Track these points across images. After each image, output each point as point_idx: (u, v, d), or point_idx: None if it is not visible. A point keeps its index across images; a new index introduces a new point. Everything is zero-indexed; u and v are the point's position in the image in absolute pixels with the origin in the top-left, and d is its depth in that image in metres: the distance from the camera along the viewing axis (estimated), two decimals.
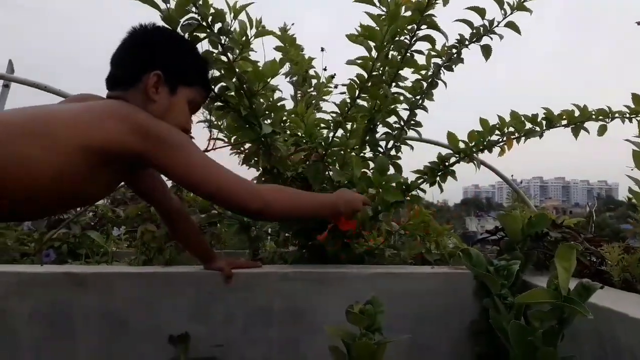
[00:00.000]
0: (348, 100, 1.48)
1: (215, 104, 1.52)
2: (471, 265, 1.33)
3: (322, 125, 1.54)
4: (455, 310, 1.47)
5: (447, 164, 1.71)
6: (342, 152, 1.51)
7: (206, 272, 1.45)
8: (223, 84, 1.44)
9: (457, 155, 1.70)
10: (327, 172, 1.51)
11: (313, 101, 1.94)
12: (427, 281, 1.49)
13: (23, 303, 1.36)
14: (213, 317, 1.42)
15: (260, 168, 1.58)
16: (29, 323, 1.36)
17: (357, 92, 1.48)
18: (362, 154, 1.64)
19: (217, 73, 1.43)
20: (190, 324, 1.41)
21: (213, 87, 1.42)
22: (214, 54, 1.40)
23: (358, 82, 1.47)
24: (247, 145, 1.70)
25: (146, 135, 1.04)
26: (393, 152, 1.68)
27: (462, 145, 1.70)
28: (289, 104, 1.75)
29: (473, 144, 1.70)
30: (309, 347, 1.43)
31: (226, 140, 1.89)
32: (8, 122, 0.99)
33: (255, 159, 1.63)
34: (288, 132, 1.66)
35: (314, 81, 2.14)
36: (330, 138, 1.50)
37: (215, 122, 1.84)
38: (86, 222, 2.04)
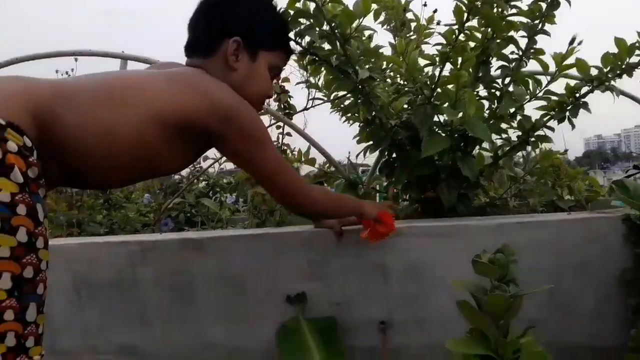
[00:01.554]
0: (455, 27, 1.31)
1: (306, 58, 1.44)
2: (629, 199, 1.12)
3: (427, 62, 1.39)
4: (598, 259, 1.29)
5: (577, 95, 1.48)
6: (452, 89, 1.35)
7: (318, 231, 1.40)
8: (309, 37, 1.35)
9: (589, 84, 1.47)
10: (435, 115, 1.37)
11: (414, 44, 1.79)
12: (563, 229, 1.31)
13: (147, 270, 1.43)
14: (329, 276, 1.38)
15: (361, 120, 1.48)
16: (154, 289, 1.42)
17: (465, 15, 1.30)
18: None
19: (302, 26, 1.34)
20: (306, 283, 1.38)
21: (300, 41, 1.35)
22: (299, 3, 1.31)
23: (466, 1, 1.28)
24: (347, 102, 1.61)
25: (226, 119, 1.02)
26: (511, 89, 1.49)
27: (594, 71, 1.46)
28: (388, 52, 1.62)
29: (608, 68, 1.46)
30: (430, 304, 1.33)
31: (325, 98, 1.82)
32: (89, 89, 1.00)
33: (355, 113, 1.54)
34: (388, 80, 1.54)
35: (413, 25, 1.98)
36: (437, 76, 1.34)
37: (314, 82, 1.77)
38: (200, 190, 2.11)
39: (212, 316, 1.42)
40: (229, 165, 2.39)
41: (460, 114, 1.26)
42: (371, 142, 1.57)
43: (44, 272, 0.88)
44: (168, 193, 2.00)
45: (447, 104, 1.36)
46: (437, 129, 1.39)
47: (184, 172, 2.06)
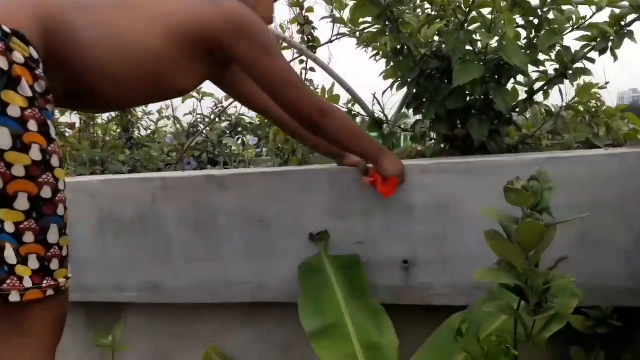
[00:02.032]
0: None
1: None
2: None
3: None
4: (636, 197, 1.22)
5: (623, 23, 1.37)
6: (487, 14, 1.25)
7: (342, 168, 1.36)
8: None
9: (638, 12, 1.35)
10: (469, 43, 1.28)
11: None
12: (599, 164, 1.24)
13: (170, 207, 1.42)
14: (352, 214, 1.35)
15: (389, 51, 1.41)
16: (177, 225, 1.42)
17: None
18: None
19: None
20: (329, 220, 1.36)
21: None
22: None
23: None
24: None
25: (239, 28, 1.03)
26: (550, 16, 1.38)
27: None
28: None
29: None
30: (456, 243, 1.30)
31: (350, 32, 1.74)
32: (103, 3, 0.97)
33: (383, 43, 1.46)
34: (418, 10, 1.45)
35: None
36: None
37: (339, 16, 1.69)
38: (221, 129, 2.09)
39: (234, 253, 1.42)
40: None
41: (496, 38, 1.17)
42: (398, 78, 1.50)
43: (62, 192, 0.87)
44: (190, 133, 1.98)
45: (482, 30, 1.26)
46: (468, 57, 1.30)
47: (205, 111, 2.04)
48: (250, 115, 2.16)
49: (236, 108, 2.12)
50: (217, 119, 2.03)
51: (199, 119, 2.07)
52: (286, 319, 1.53)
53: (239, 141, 2.01)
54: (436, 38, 1.45)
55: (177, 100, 1.93)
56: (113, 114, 2.06)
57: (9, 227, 0.80)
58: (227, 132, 2.13)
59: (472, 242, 1.29)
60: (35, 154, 0.81)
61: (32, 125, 0.81)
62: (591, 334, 1.19)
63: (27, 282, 0.83)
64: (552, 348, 1.12)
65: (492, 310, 0.85)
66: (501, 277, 0.81)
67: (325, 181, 1.35)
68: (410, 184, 1.30)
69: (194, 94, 1.95)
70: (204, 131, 1.87)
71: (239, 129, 2.12)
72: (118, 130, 2.05)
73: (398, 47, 1.37)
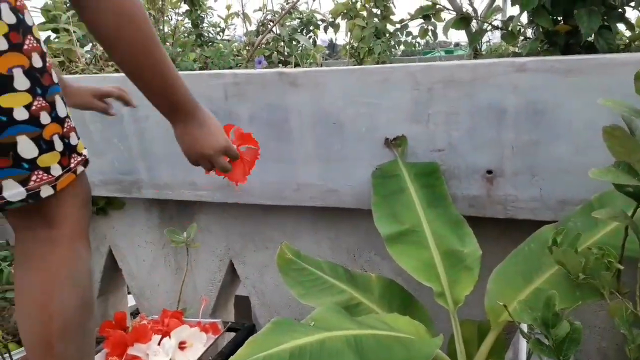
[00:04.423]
0: None
1: None
2: None
3: None
4: None
5: None
6: None
7: (424, 66, 1.24)
8: None
9: None
10: None
11: None
12: None
13: (241, 105, 1.37)
14: (433, 118, 1.24)
15: None
16: (249, 124, 1.38)
17: None
18: None
19: None
20: (407, 125, 1.27)
21: None
22: None
23: None
24: None
25: None
26: None
27: None
28: None
29: None
30: (548, 153, 1.17)
31: None
32: None
33: None
34: None
35: None
36: None
37: None
38: (292, 27, 1.98)
39: (306, 155, 1.37)
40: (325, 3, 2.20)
41: None
42: None
43: (46, 55, 0.77)
44: (260, 32, 1.89)
45: None
46: None
47: (276, 7, 1.91)
48: (322, 12, 2.02)
49: (307, 4, 1.99)
50: (288, 15, 1.91)
51: (269, 16, 1.96)
52: (355, 225, 1.50)
53: (311, 40, 1.90)
54: None
55: None
56: (183, 9, 2.00)
57: (22, 114, 0.72)
58: (298, 30, 2.01)
59: (566, 153, 1.16)
60: (9, 17, 0.70)
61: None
62: None
63: (56, 170, 0.78)
64: None
65: (601, 217, 0.75)
66: (621, 178, 0.70)
67: (406, 81, 1.24)
68: (502, 85, 1.17)
69: None
70: (274, 28, 1.77)
71: (311, 27, 2.00)
72: (188, 25, 1.99)
73: None
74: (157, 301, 1.81)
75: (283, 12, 1.80)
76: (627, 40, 1.34)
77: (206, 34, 1.92)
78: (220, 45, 1.59)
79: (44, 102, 0.75)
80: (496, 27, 1.47)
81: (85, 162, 0.85)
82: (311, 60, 1.78)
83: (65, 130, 0.80)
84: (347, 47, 1.47)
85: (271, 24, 1.79)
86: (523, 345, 1.95)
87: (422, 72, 1.22)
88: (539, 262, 0.97)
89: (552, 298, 0.74)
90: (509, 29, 1.41)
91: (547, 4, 1.20)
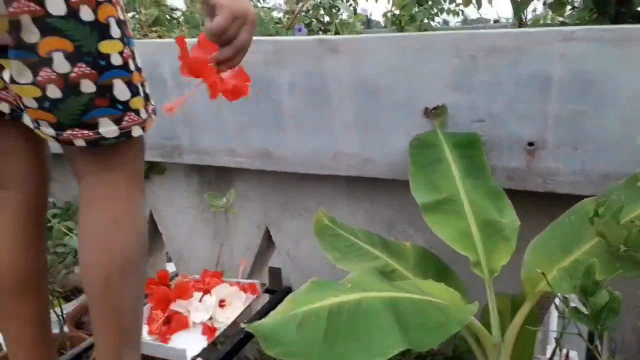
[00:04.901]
0: None
1: None
2: None
3: None
4: None
5: None
6: None
7: (467, 34, 1.22)
8: None
9: None
10: None
11: None
12: None
13: (282, 72, 1.38)
14: (475, 87, 1.23)
15: None
16: (288, 92, 1.39)
17: None
18: None
19: None
20: (448, 94, 1.25)
21: None
22: None
23: None
24: None
25: None
26: None
27: None
28: None
29: None
30: (593, 125, 1.15)
31: None
32: None
33: None
34: None
35: None
36: None
37: None
38: None
39: (344, 123, 1.37)
40: None
41: None
42: None
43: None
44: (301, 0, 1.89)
45: None
46: None
47: None
48: None
49: None
50: None
51: None
52: (390, 195, 1.51)
53: (351, 7, 1.89)
54: None
55: None
56: None
57: (117, 60, 0.78)
58: None
59: (612, 126, 1.13)
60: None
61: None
62: None
63: (144, 114, 0.85)
64: None
65: None
66: None
67: (447, 49, 1.22)
68: (548, 54, 1.14)
69: None
70: None
71: None
72: None
73: None
74: (195, 264, 1.88)
75: None
76: None
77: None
78: (261, 12, 1.60)
79: (129, 50, 0.81)
80: None
81: (154, 112, 0.91)
82: (351, 29, 1.77)
83: (143, 79, 0.86)
84: (389, 14, 1.45)
85: None
86: (554, 320, 1.94)
87: (464, 40, 1.20)
88: (578, 235, 0.97)
89: (593, 266, 0.74)
90: None
91: None
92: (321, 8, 1.71)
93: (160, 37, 1.72)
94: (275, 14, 2.03)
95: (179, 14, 1.81)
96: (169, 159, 1.65)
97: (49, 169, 1.00)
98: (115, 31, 0.78)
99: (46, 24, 0.72)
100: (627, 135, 1.11)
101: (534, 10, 1.74)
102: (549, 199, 1.26)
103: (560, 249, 0.97)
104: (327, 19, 1.76)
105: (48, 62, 0.73)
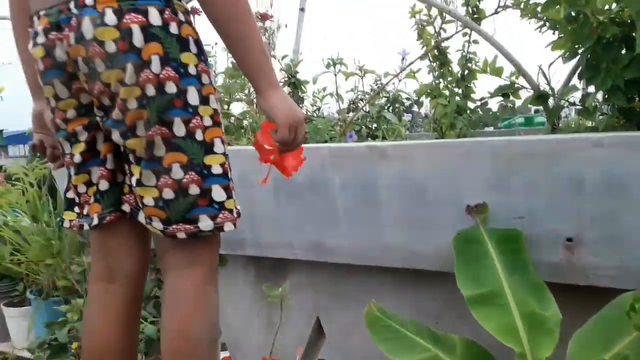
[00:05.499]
0: None
1: None
2: None
3: None
4: None
5: None
6: None
7: (504, 141, 1.36)
8: None
9: None
10: None
11: None
12: None
13: (336, 174, 1.55)
14: (513, 188, 1.34)
15: (563, 19, 1.34)
16: (342, 192, 1.55)
17: None
18: None
19: None
20: (489, 194, 1.37)
21: None
22: None
23: None
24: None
25: None
26: None
27: None
28: None
29: None
30: (628, 222, 1.22)
31: (514, 3, 1.69)
32: None
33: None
34: None
35: None
36: None
37: None
38: (380, 105, 2.18)
39: (392, 220, 1.50)
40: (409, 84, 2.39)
41: None
42: (567, 48, 1.43)
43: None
44: (351, 109, 2.12)
45: None
46: None
47: (366, 88, 2.14)
48: (407, 91, 2.23)
49: (394, 85, 2.20)
50: (377, 95, 2.13)
51: (360, 96, 2.18)
52: (436, 288, 1.58)
53: (397, 115, 2.08)
54: (614, 5, 1.35)
55: (340, 78, 2.08)
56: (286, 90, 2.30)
57: (217, 170, 0.97)
58: (385, 107, 2.21)
59: None
60: (213, 103, 0.98)
61: (205, 79, 0.97)
62: None
63: (235, 213, 1.02)
64: None
65: None
66: None
67: (486, 154, 1.36)
68: (581, 158, 1.25)
69: (357, 71, 2.09)
70: (365, 106, 1.98)
71: (397, 105, 2.20)
72: None
73: (573, 14, 1.31)
74: (249, 353, 1.95)
75: (373, 93, 2.02)
76: None
77: (305, 112, 2.17)
78: (319, 124, 1.81)
79: (228, 163, 1.03)
80: (573, 104, 1.57)
81: (239, 213, 1.06)
82: (397, 134, 1.96)
83: (231, 185, 1.03)
84: (431, 122, 1.62)
85: (361, 103, 2.01)
86: None
87: (503, 146, 1.34)
88: (619, 328, 1.02)
89: (628, 357, 0.80)
90: (585, 105, 1.50)
91: (621, 84, 1.30)
92: (369, 117, 1.92)
93: (229, 144, 1.96)
94: (329, 121, 2.27)
95: (245, 122, 2.06)
96: (232, 251, 1.80)
97: (148, 266, 1.18)
98: (218, 147, 0.98)
99: (171, 143, 0.93)
100: None
101: (567, 116, 1.87)
102: (590, 292, 1.30)
103: (601, 342, 1.02)
104: (374, 125, 1.96)
105: (168, 170, 0.94)
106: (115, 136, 0.95)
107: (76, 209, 1.07)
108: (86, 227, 1.05)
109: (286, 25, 2.37)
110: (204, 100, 0.96)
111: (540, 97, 1.56)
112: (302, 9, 3.08)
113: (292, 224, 1.65)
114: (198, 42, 0.98)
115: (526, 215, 1.34)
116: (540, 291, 1.20)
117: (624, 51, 1.29)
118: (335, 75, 2.13)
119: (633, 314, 0.93)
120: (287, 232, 1.67)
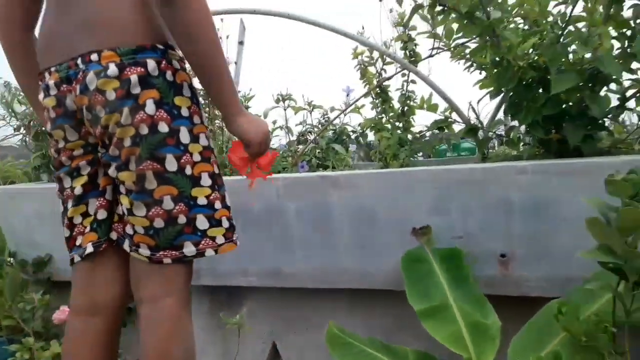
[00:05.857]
0: None
1: (436, 9, 1.53)
2: None
3: (558, 0, 1.41)
4: None
5: None
6: (582, 30, 1.36)
7: (441, 170, 1.51)
8: None
9: None
10: (566, 55, 1.39)
11: None
12: None
13: (291, 203, 1.64)
14: (451, 211, 1.49)
15: (487, 63, 1.54)
16: (296, 219, 1.64)
17: None
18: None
19: None
20: (430, 217, 1.51)
21: None
22: None
23: None
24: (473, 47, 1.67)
25: None
26: None
27: None
28: None
29: None
30: (552, 240, 1.40)
31: (446, 47, 1.89)
32: None
33: (481, 56, 1.60)
34: (513, 25, 1.58)
35: None
36: (568, 14, 1.36)
37: (435, 32, 1.85)
38: (328, 138, 2.31)
39: (345, 244, 1.61)
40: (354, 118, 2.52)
41: (591, 51, 1.29)
42: (493, 87, 1.63)
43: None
44: (300, 141, 2.23)
45: (577, 42, 1.38)
46: (565, 68, 1.41)
47: (315, 121, 2.28)
48: (352, 125, 2.39)
49: (340, 119, 2.35)
50: (325, 128, 2.26)
51: (308, 129, 2.31)
52: (388, 305, 1.69)
53: (344, 147, 2.22)
54: (531, 51, 1.57)
55: (290, 112, 2.21)
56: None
57: (202, 201, 1.04)
58: (333, 139, 2.35)
59: (566, 239, 1.39)
60: (203, 140, 1.06)
61: (196, 119, 1.07)
62: None
63: (220, 240, 1.08)
64: None
65: (594, 288, 0.97)
66: (603, 257, 0.92)
67: (428, 180, 1.51)
68: (508, 184, 1.42)
69: (306, 106, 2.22)
70: (315, 139, 2.11)
71: (343, 137, 2.34)
72: None
73: (497, 59, 1.50)
74: None
75: (322, 126, 2.15)
76: (608, 145, 1.61)
77: None
78: None
79: (218, 194, 1.08)
80: (500, 136, 1.77)
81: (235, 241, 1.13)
82: (345, 163, 2.09)
83: (230, 214, 1.11)
84: (376, 153, 1.76)
85: (310, 135, 2.13)
86: None
87: (442, 174, 1.49)
88: (549, 331, 1.17)
89: (558, 354, 0.94)
90: (510, 137, 1.70)
91: (540, 119, 1.50)
92: (319, 149, 2.04)
93: (223, 174, 1.99)
94: (281, 148, 2.37)
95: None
96: None
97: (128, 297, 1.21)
98: (205, 181, 1.05)
99: (163, 177, 1.00)
100: (578, 247, 1.36)
101: (494, 146, 2.10)
102: (522, 301, 1.46)
103: (536, 344, 1.17)
104: (323, 155, 2.09)
105: (159, 202, 1.01)
106: (111, 169, 1.04)
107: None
108: (77, 259, 1.11)
109: (235, 63, 2.47)
110: (195, 139, 1.05)
111: (471, 130, 1.75)
112: (241, 42, 3.19)
113: (248, 251, 1.72)
114: (191, 87, 1.08)
115: (464, 234, 1.49)
116: (481, 302, 1.34)
117: (541, 91, 1.51)
118: (285, 109, 2.27)
119: (560, 317, 1.08)
120: (242, 260, 1.73)
